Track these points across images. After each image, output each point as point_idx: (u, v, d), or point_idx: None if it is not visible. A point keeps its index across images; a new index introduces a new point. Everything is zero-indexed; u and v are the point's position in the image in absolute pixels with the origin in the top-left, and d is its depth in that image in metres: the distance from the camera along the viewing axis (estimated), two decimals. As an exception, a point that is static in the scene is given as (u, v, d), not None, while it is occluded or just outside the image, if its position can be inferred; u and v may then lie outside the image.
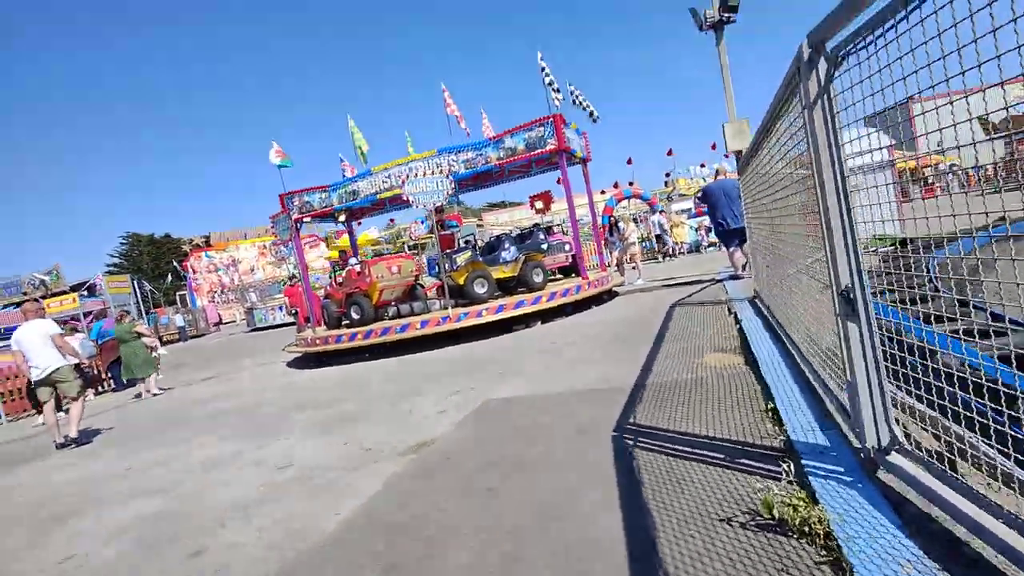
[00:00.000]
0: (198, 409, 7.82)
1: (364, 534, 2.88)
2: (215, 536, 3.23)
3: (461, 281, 9.86)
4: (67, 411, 7.05)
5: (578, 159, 11.77)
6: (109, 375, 11.87)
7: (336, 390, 7.28)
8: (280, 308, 24.51)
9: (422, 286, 11.12)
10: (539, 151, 10.21)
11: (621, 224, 14.11)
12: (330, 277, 11.45)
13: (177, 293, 44.32)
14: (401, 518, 2.99)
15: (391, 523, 2.95)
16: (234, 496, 3.85)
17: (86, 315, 22.66)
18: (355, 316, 10.06)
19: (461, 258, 9.78)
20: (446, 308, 9.53)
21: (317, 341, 9.97)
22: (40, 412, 10.89)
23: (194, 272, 43.90)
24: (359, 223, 15.11)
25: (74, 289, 25.18)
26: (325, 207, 11.70)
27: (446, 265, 9.57)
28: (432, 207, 9.07)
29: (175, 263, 44.86)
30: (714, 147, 30.96)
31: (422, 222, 27.62)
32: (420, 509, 3.04)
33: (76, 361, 6.78)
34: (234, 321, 37.75)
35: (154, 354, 10.67)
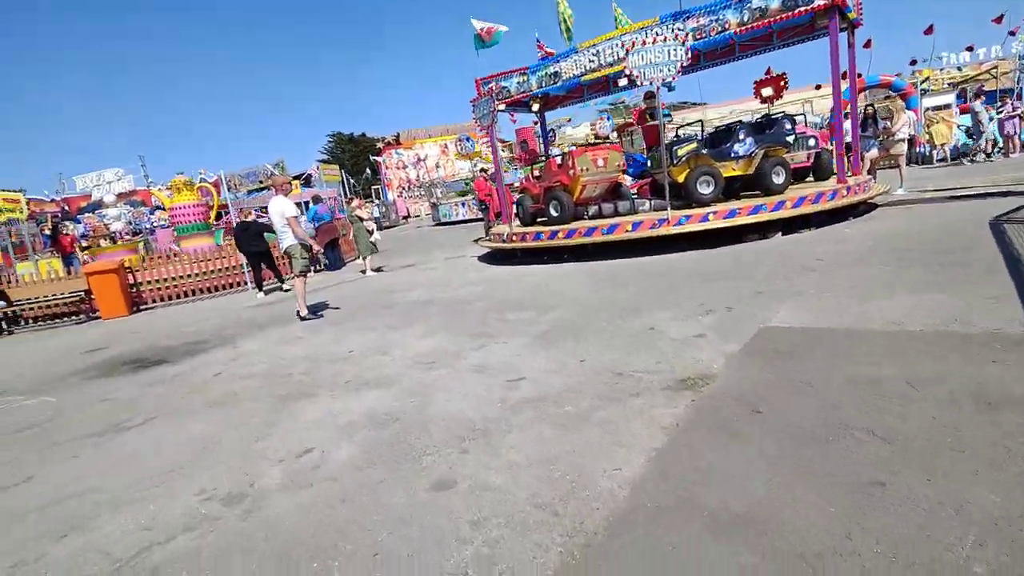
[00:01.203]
0: (405, 295, 7.79)
1: (678, 520, 1.95)
2: (461, 465, 2.60)
3: (681, 178, 8.28)
4: (288, 290, 7.44)
5: (847, 23, 8.87)
6: (324, 257, 12.95)
7: (543, 292, 6.57)
8: (463, 204, 25.09)
9: (626, 184, 9.75)
10: (801, 10, 7.74)
11: (882, 117, 10.87)
12: (528, 170, 10.60)
13: (372, 187, 48.81)
14: (729, 503, 1.99)
15: (716, 511, 1.97)
16: (466, 410, 3.24)
17: (305, 203, 25.63)
18: (553, 213, 9.19)
19: (683, 150, 8.12)
20: (662, 209, 8.13)
21: (513, 237, 9.39)
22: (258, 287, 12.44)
23: (386, 168, 47.76)
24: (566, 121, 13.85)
25: (295, 178, 28.48)
26: (522, 92, 10.61)
27: (663, 159, 8.02)
28: (660, 82, 7.43)
29: (371, 158, 48.71)
30: (1000, 20, 22.65)
31: (607, 119, 25.45)
32: (755, 493, 2.01)
33: (305, 242, 6.96)
34: (419, 216, 40.52)
35: (372, 237, 11.21)
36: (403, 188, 45.94)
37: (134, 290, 11.07)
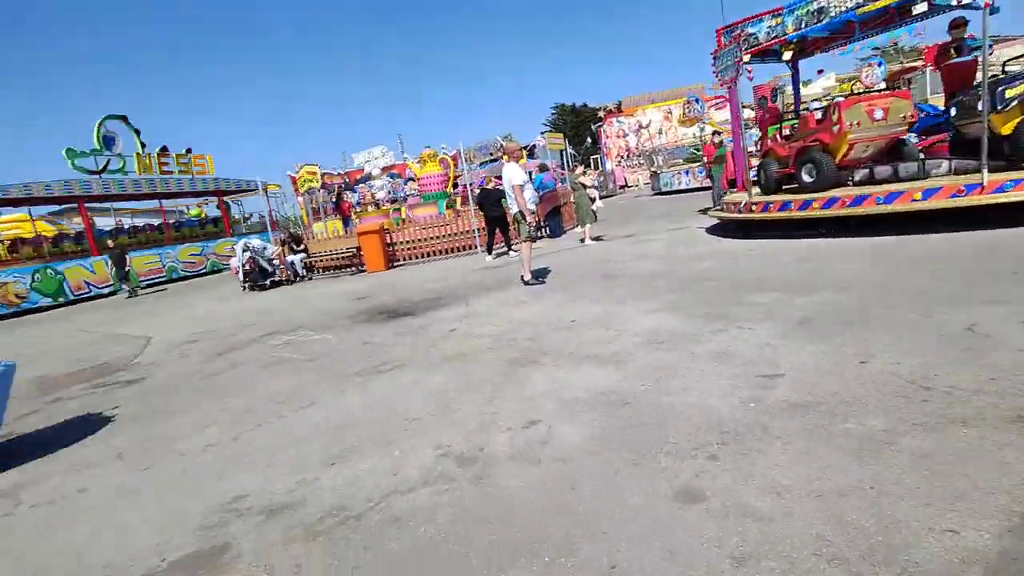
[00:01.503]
0: (628, 266, 7.44)
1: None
2: (709, 474, 2.18)
3: (1007, 129, 6.15)
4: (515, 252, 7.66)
5: None
6: (546, 224, 13.31)
7: (794, 271, 5.55)
8: (686, 172, 23.44)
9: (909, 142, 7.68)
10: None
11: None
12: (773, 130, 9.14)
13: (591, 157, 49.08)
14: None
15: None
16: (710, 406, 2.79)
17: (529, 173, 26.86)
18: (807, 178, 7.74)
19: (1014, 91, 5.97)
20: (967, 172, 6.18)
21: (753, 207, 8.22)
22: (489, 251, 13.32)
23: (606, 137, 47.51)
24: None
25: (522, 149, 30.02)
26: (773, 38, 9.05)
27: (984, 103, 5.99)
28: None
29: (592, 127, 48.81)
30: None
31: (879, 64, 20.78)
32: None
33: (523, 212, 7.09)
34: (636, 185, 39.39)
35: (593, 206, 11.14)
36: (622, 157, 45.26)
37: (390, 249, 12.87)
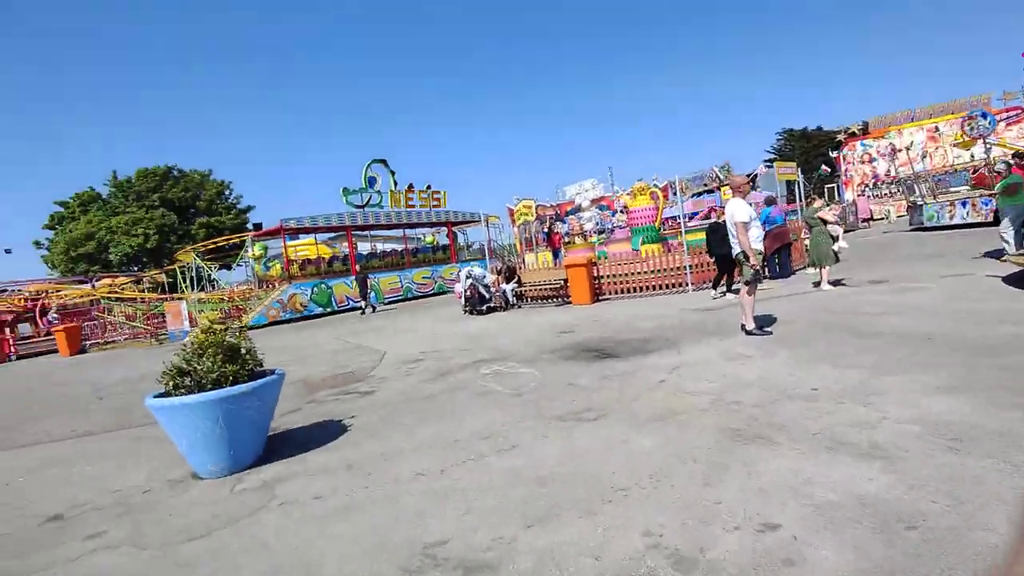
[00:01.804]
0: (884, 322, 6.05)
1: None
2: None
3: None
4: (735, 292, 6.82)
5: None
6: (772, 263, 11.85)
7: None
8: (964, 204, 18.85)
9: None
10: None
11: None
12: None
13: (826, 186, 43.09)
14: None
15: None
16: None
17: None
18: None
19: None
20: None
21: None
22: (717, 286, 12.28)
23: (846, 163, 41.49)
24: None
25: (749, 182, 27.81)
26: None
27: None
28: None
29: (830, 152, 42.97)
30: None
31: None
32: None
33: (745, 252, 6.27)
34: (884, 218, 33.26)
35: (835, 245, 9.62)
36: (866, 185, 38.92)
37: (596, 282, 12.81)
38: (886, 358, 4.67)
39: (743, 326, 6.66)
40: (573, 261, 12.67)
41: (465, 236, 32.57)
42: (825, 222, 9.59)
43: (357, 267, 20.92)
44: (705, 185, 46.50)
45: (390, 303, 22.40)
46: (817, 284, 9.56)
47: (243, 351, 4.06)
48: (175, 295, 24.41)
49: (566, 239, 22.12)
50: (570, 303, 12.60)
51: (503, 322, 11.12)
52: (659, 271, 12.33)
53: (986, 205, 18.12)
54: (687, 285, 11.98)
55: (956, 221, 18.97)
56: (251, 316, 19.21)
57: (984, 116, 17.61)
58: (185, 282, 27.73)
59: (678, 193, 13.60)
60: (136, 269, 39.18)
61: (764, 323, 6.74)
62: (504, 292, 13.56)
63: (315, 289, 20.55)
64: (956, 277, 8.65)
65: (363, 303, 18.70)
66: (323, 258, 23.71)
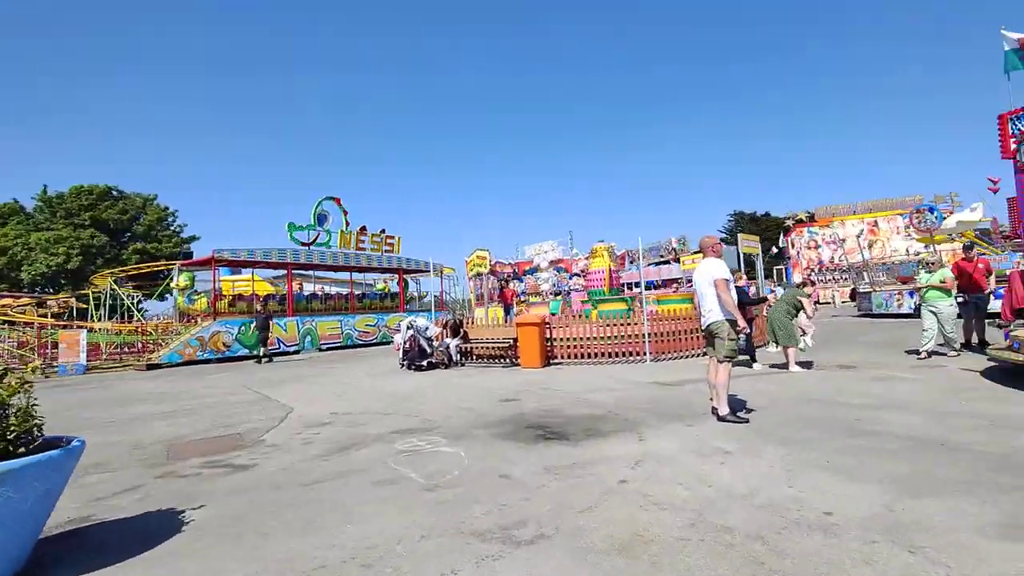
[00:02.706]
0: (874, 417, 5.17)
1: None
2: None
3: None
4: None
5: None
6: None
7: None
8: (911, 294, 19.14)
9: None
10: None
11: None
12: None
13: (774, 268, 44.64)
14: None
15: None
16: None
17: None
18: None
19: None
20: None
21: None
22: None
23: (793, 247, 43.41)
24: None
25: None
26: None
27: None
28: None
29: (781, 236, 44.74)
30: None
31: None
32: None
33: (733, 317, 5.35)
34: (830, 303, 34.21)
35: (803, 339, 9.03)
36: (811, 270, 40.58)
37: (549, 345, 11.75)
38: (905, 469, 3.70)
39: (714, 410, 5.67)
40: (525, 320, 11.61)
41: (418, 286, 31.29)
42: (801, 308, 9.00)
43: (258, 307, 19.28)
44: (661, 256, 47.37)
45: (327, 349, 20.58)
46: (785, 366, 8.82)
47: (12, 412, 2.69)
48: (80, 323, 21.79)
49: (521, 296, 21.24)
50: (519, 365, 11.43)
51: (441, 381, 9.79)
52: (616, 338, 11.41)
53: (911, 296, 18.50)
54: (646, 355, 11.08)
55: (904, 310, 19.22)
56: (163, 352, 17.07)
57: (931, 211, 18.22)
58: (99, 309, 25.01)
59: (640, 259, 12.97)
60: (50, 291, 35.60)
61: (737, 407, 5.76)
62: (448, 347, 12.28)
63: (242, 328, 18.61)
64: (931, 369, 8.04)
65: (261, 349, 16.82)
66: (257, 295, 21.85)
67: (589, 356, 11.48)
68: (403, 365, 12.16)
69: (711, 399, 5.77)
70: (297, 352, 19.70)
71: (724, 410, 5.42)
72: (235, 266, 22.47)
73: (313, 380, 11.03)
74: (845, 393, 6.61)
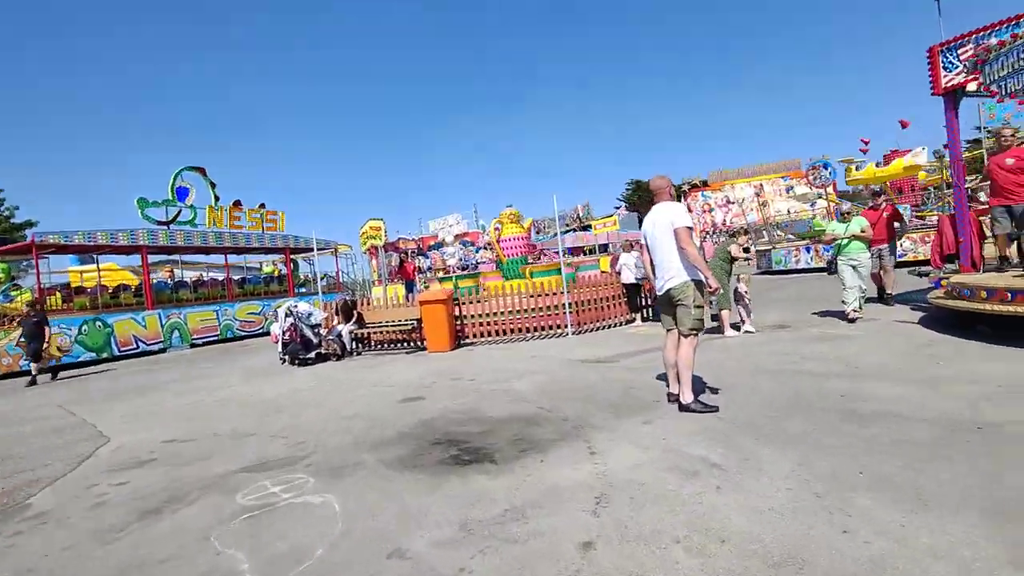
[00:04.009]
0: (854, 392, 4.24)
1: None
2: None
3: None
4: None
5: None
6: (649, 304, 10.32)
7: None
8: (807, 250, 19.81)
9: None
10: None
11: None
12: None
13: (696, 235, 46.30)
14: None
15: None
16: None
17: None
18: None
19: None
20: None
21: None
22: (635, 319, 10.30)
23: (690, 211, 45.05)
24: None
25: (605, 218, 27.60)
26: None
27: None
28: None
29: (680, 199, 46.17)
30: None
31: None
32: None
33: (701, 277, 4.14)
34: (729, 262, 35.77)
35: (741, 286, 8.23)
36: (707, 232, 42.39)
37: (459, 324, 10.25)
38: (977, 478, 2.64)
39: (671, 395, 4.49)
40: (429, 296, 9.98)
41: (312, 267, 28.27)
42: (732, 258, 8.09)
43: (26, 308, 13.35)
44: (567, 224, 46.87)
45: (203, 344, 17.57)
46: (720, 330, 7.99)
47: None
48: None
49: (429, 273, 19.47)
50: (425, 350, 9.83)
51: (328, 379, 7.97)
52: (535, 311, 10.15)
53: (827, 251, 19.22)
54: (567, 327, 9.93)
55: (801, 265, 19.88)
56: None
57: (826, 167, 18.73)
58: None
59: (557, 222, 11.68)
60: None
61: (698, 388, 4.62)
62: (339, 335, 10.36)
63: (85, 328, 15.19)
64: (868, 323, 7.50)
65: (33, 367, 11.54)
66: (107, 287, 18.17)
67: (504, 332, 10.14)
68: (284, 360, 10.10)
69: (668, 385, 4.58)
70: (163, 351, 16.58)
71: (688, 397, 4.23)
72: (66, 252, 18.53)
73: (164, 389, 8.69)
74: (799, 359, 5.76)
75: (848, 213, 8.25)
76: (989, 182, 6.85)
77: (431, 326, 9.66)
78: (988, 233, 7.56)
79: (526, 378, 6.34)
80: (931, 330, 6.59)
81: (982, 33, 6.59)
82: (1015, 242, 6.81)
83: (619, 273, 10.77)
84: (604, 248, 36.53)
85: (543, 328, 10.21)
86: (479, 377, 6.74)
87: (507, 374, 6.71)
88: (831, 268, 8.24)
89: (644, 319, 10.66)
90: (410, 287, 13.75)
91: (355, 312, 10.68)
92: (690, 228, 4.18)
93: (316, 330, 10.22)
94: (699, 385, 4.78)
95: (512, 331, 10.13)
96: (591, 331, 10.21)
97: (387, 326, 10.60)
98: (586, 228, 40.94)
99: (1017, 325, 5.36)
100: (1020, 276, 6.07)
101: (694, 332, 4.20)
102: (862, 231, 7.97)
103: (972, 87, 6.90)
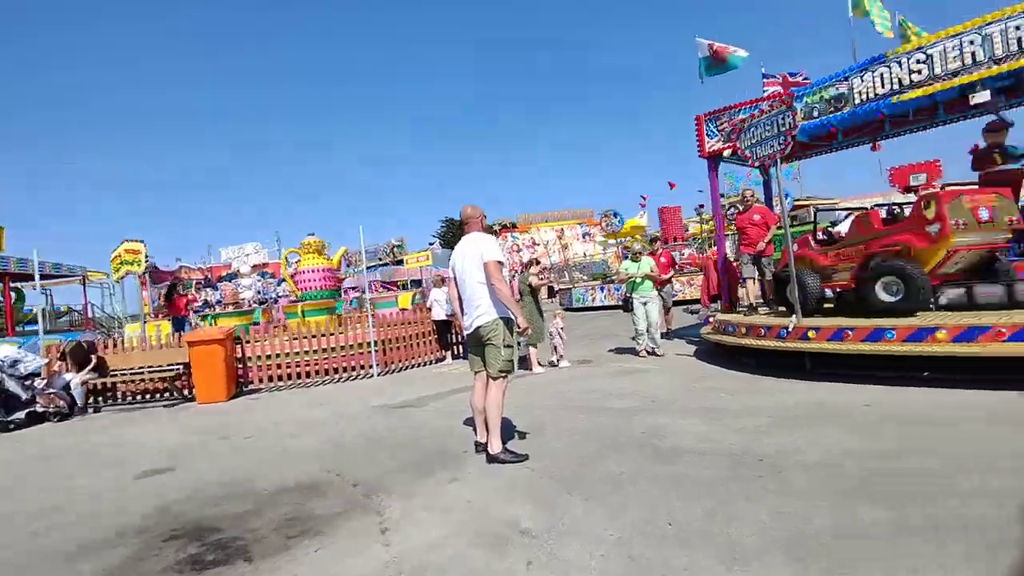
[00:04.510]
0: (655, 429, 4.30)
1: None
2: None
3: None
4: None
5: None
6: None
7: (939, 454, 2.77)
8: (601, 289, 21.87)
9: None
10: None
11: None
12: (789, 234, 6.95)
13: (506, 270, 48.18)
14: None
15: None
16: None
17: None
18: (885, 297, 5.44)
19: None
20: None
21: (811, 333, 5.68)
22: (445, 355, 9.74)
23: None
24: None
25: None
26: (783, 129, 7.09)
27: None
28: None
29: (489, 240, 48.01)
30: None
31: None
32: None
33: (511, 315, 3.80)
34: (535, 300, 38.02)
35: (557, 322, 8.32)
36: (515, 271, 44.84)
37: (240, 366, 8.65)
38: (766, 515, 2.61)
39: (479, 444, 4.05)
40: (201, 336, 8.26)
41: (49, 298, 22.38)
42: (532, 289, 8.17)
43: None
44: (380, 259, 45.39)
45: None
46: (528, 367, 7.96)
47: None
48: None
49: (216, 308, 16.67)
50: (194, 400, 8.03)
51: (39, 450, 5.87)
52: (332, 350, 9.08)
53: (618, 291, 21.41)
54: (372, 367, 9.05)
55: (597, 303, 21.84)
56: None
57: (615, 215, 21.03)
58: None
59: (363, 255, 10.77)
60: None
61: (506, 433, 4.26)
62: (67, 386, 7.93)
63: None
64: (660, 359, 8.11)
65: None
66: None
67: (300, 376, 8.85)
68: (-25, 425, 7.34)
69: (476, 432, 4.13)
70: None
71: (496, 446, 3.82)
72: None
73: None
74: (604, 395, 5.85)
75: (639, 254, 8.92)
76: (741, 235, 8.05)
77: (202, 371, 7.94)
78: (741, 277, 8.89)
79: (317, 431, 5.37)
80: (706, 363, 7.34)
81: (735, 109, 7.85)
82: (758, 284, 8.07)
83: (430, 309, 10.31)
84: (417, 283, 36.08)
85: (345, 369, 9.16)
86: (258, 434, 5.54)
87: (294, 427, 5.64)
88: (626, 306, 8.73)
89: (455, 356, 10.30)
90: (179, 324, 11.40)
91: (93, 357, 8.33)
92: (501, 263, 3.85)
93: (27, 382, 7.68)
94: (509, 430, 4.43)
95: (309, 374, 8.89)
96: (400, 371, 9.48)
97: (142, 373, 8.47)
98: (399, 263, 40.20)
99: (773, 356, 6.17)
100: (769, 314, 7.13)
101: (503, 374, 3.84)
102: (652, 270, 8.68)
103: (727, 153, 8.13)
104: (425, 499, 3.27)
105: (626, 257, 9.98)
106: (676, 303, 12.24)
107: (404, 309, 13.40)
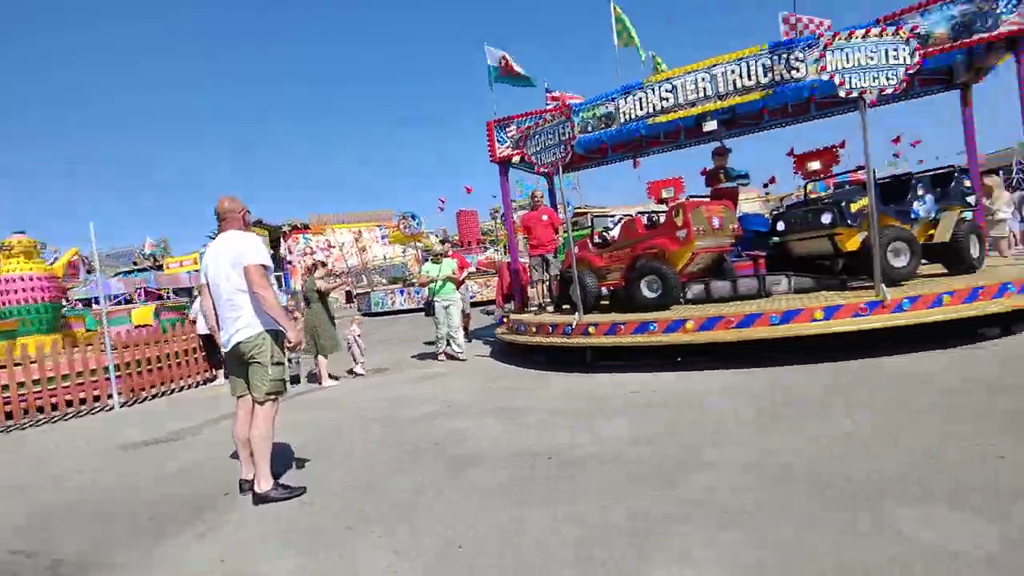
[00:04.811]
0: (459, 431, 4.13)
1: None
2: None
3: (853, 244, 5.71)
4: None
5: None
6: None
7: (673, 434, 3.31)
8: (401, 292, 21.45)
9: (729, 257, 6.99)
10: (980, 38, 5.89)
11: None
12: (567, 236, 7.44)
13: (273, 275, 43.66)
14: None
15: None
16: None
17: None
18: (648, 294, 6.14)
19: (858, 204, 5.61)
20: (809, 290, 5.42)
21: (591, 329, 6.11)
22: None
23: (290, 253, 43.33)
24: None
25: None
26: (563, 138, 7.60)
27: (838, 216, 5.47)
28: (874, 96, 4.93)
29: (280, 242, 43.62)
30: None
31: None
32: None
33: (280, 327, 3.20)
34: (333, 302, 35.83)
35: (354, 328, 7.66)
36: (306, 277, 41.71)
37: None
38: (576, 529, 2.56)
39: (244, 483, 3.38)
40: None
41: None
42: (322, 293, 7.45)
43: None
44: (135, 263, 38.27)
45: None
46: (318, 381, 7.22)
47: None
48: None
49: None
50: None
51: None
52: (58, 380, 7.04)
53: (417, 294, 21.18)
54: (112, 398, 7.26)
55: (397, 307, 21.30)
56: None
57: (414, 218, 20.76)
58: None
59: (97, 260, 8.52)
60: None
61: (280, 465, 3.65)
62: None
63: None
64: (459, 362, 8.03)
65: None
66: None
67: (17, 414, 6.66)
68: None
69: (241, 469, 3.43)
70: None
71: (265, 484, 3.20)
72: None
73: None
74: (401, 404, 5.52)
75: (440, 255, 8.71)
76: (528, 234, 8.47)
77: None
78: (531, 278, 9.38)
79: (14, 496, 3.97)
80: (501, 362, 7.49)
81: (523, 118, 8.21)
82: (544, 284, 8.60)
83: (194, 322, 8.74)
84: (187, 292, 31.03)
85: (72, 404, 7.17)
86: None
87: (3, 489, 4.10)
88: (428, 309, 8.42)
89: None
90: None
91: None
92: (265, 266, 3.23)
93: None
94: (285, 459, 3.81)
95: (14, 414, 6.71)
96: (154, 398, 7.81)
97: None
98: (159, 268, 34.07)
99: (560, 352, 6.52)
100: (555, 314, 7.58)
101: (271, 397, 3.24)
102: (453, 273, 8.51)
103: (516, 159, 8.47)
104: (164, 569, 2.54)
105: (426, 260, 9.77)
106: (474, 304, 12.50)
107: (142, 326, 11.23)
